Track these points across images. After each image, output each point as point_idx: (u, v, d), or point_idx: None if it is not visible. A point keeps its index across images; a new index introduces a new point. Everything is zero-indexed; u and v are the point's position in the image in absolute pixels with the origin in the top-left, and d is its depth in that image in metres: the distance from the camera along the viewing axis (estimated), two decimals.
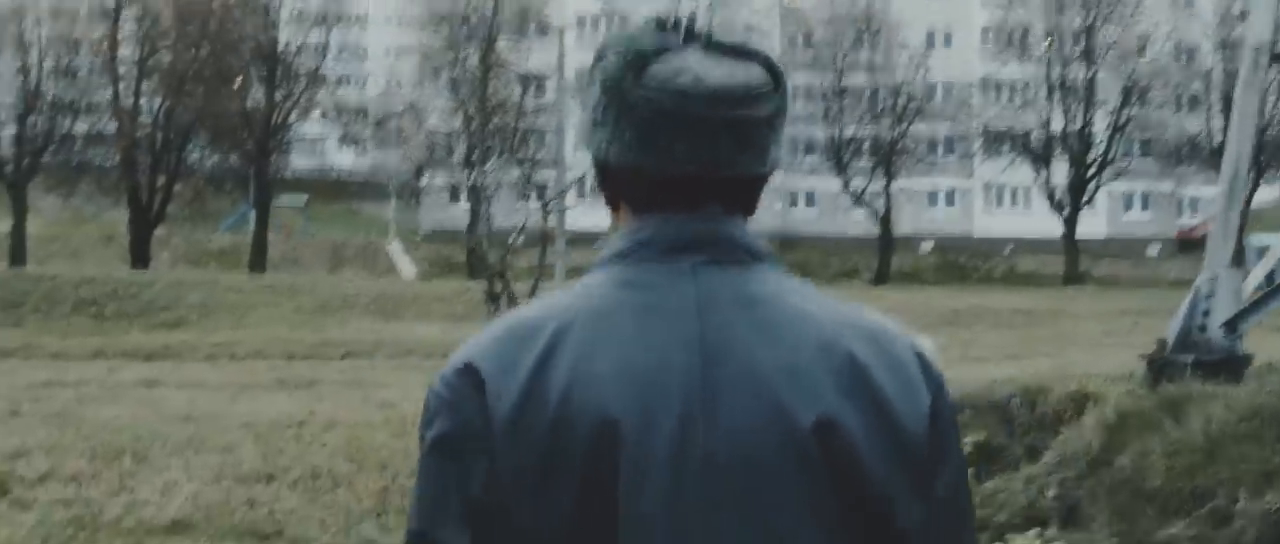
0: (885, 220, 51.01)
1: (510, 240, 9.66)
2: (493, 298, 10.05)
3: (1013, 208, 76.71)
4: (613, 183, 1.68)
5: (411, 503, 1.62)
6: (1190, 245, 67.96)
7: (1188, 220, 70.11)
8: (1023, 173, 58.74)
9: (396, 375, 18.34)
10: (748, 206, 1.66)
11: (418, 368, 19.39)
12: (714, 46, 1.63)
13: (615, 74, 1.61)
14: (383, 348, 22.32)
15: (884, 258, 50.62)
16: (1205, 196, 72.75)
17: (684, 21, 1.66)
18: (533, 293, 10.77)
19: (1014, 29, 58.87)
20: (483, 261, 9.73)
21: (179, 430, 12.11)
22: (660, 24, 1.66)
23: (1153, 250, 64.79)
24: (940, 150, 65.46)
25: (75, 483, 9.50)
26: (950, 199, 75.69)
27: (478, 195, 46.47)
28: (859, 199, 52.41)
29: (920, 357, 1.63)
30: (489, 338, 1.61)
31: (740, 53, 1.63)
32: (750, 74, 1.61)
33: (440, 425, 1.59)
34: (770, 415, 1.53)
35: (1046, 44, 52.13)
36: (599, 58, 1.66)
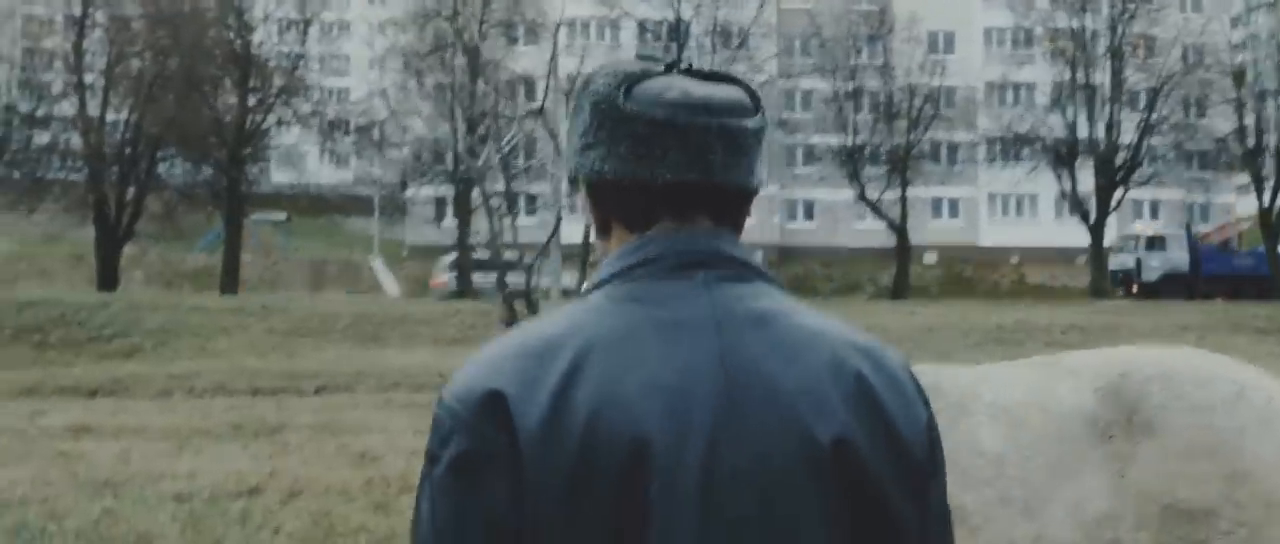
0: (901, 230, 47.96)
1: (537, 256, 6.97)
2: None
3: (1019, 217, 74.19)
4: (606, 201, 1.71)
5: (420, 527, 1.57)
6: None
7: (1200, 227, 67.51)
8: (1030, 180, 56.08)
9: (379, 416, 15.37)
10: (737, 223, 1.72)
11: (406, 407, 16.42)
12: (694, 73, 1.72)
13: (606, 93, 1.69)
14: (363, 380, 19.32)
15: (901, 270, 47.58)
16: (1217, 203, 70.27)
17: (662, 57, 1.75)
18: None
19: (1025, 30, 56.09)
20: (500, 279, 7.09)
21: (87, 507, 9.14)
22: (643, 56, 1.75)
23: None
24: (945, 157, 62.79)
25: None
26: (954, 209, 73.17)
27: (467, 206, 43.43)
28: (875, 208, 49.46)
29: (910, 371, 1.70)
30: (504, 355, 1.60)
31: (720, 77, 1.72)
32: (731, 92, 1.70)
33: (459, 444, 1.55)
34: (792, 435, 1.58)
35: (1065, 45, 49.20)
36: (585, 85, 1.73)
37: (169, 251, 55.20)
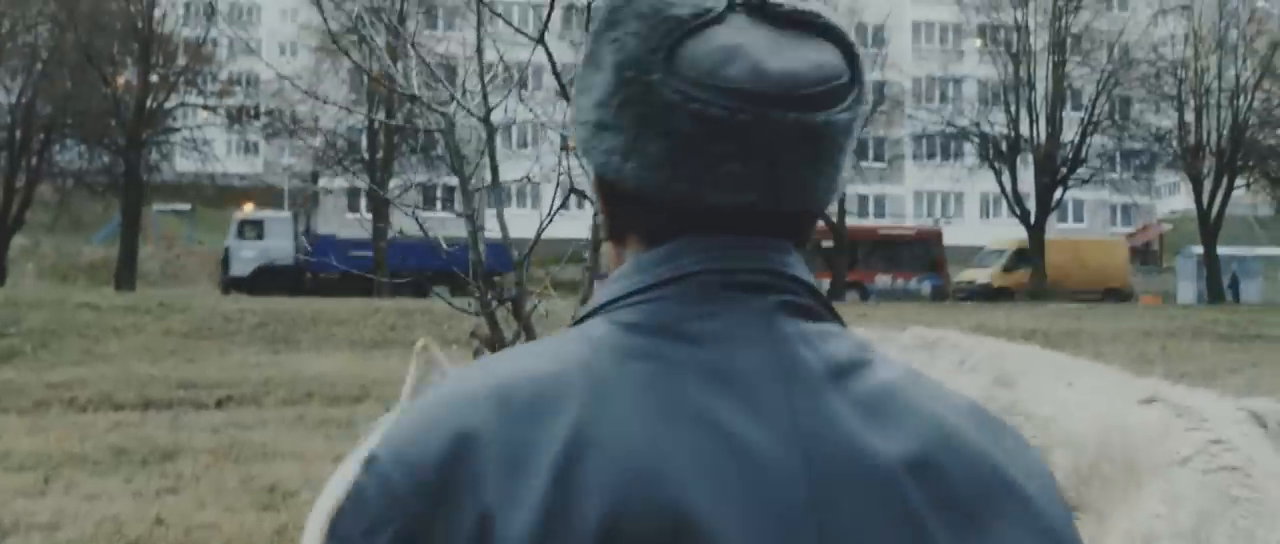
0: (839, 230, 46.23)
1: (528, 251, 4.98)
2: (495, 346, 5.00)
3: (943, 217, 73.28)
4: (626, 209, 1.21)
5: None
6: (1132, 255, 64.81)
7: (1119, 229, 66.86)
8: (957, 180, 55.05)
9: (290, 437, 13.13)
10: (803, 240, 1.22)
11: (320, 424, 14.19)
12: (771, 12, 1.16)
13: (638, 55, 1.15)
14: (272, 389, 17.02)
15: (838, 273, 45.71)
16: (1142, 204, 69.79)
17: None
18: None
19: (955, 26, 54.99)
20: (486, 282, 4.98)
21: None
22: None
23: None
24: (872, 152, 61.65)
25: None
26: (881, 207, 72.17)
27: (382, 199, 41.00)
28: None
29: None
30: (471, 405, 1.08)
31: (807, 24, 1.17)
32: (824, 58, 1.16)
33: (392, 535, 1.05)
34: (906, 534, 1.10)
35: (1006, 39, 47.94)
36: (610, 25, 1.18)
37: (64, 244, 52.05)
